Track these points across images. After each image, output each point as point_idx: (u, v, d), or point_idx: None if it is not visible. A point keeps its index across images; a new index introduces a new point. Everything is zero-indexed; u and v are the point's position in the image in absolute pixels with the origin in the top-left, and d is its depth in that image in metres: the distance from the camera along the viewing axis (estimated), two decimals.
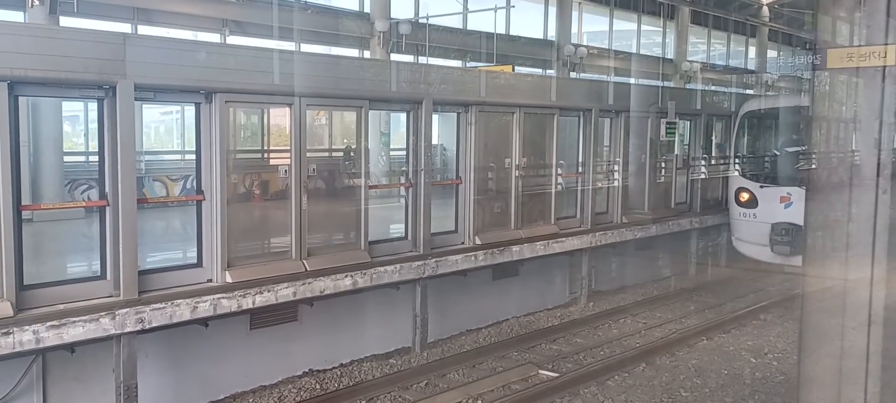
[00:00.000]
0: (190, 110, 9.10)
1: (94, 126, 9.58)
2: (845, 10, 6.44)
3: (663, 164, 15.52)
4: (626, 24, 31.44)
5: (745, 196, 15.18)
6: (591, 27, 30.15)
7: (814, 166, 14.49)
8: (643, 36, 31.78)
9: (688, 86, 29.49)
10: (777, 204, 14.48)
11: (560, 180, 13.07)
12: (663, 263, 16.38)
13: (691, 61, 32.62)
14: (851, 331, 4.97)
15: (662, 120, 14.98)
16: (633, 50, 31.35)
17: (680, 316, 13.09)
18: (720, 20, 34.44)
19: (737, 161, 15.86)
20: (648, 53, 31.93)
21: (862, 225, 5.18)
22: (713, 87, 30.85)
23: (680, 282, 15.78)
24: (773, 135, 16.56)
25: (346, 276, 9.50)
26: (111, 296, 7.68)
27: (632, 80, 29.41)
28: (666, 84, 28.50)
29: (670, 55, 32.22)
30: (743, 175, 15.64)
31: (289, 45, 19.14)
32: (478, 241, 11.42)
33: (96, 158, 8.19)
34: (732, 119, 16.35)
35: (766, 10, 35.14)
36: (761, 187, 15.00)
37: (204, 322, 8.40)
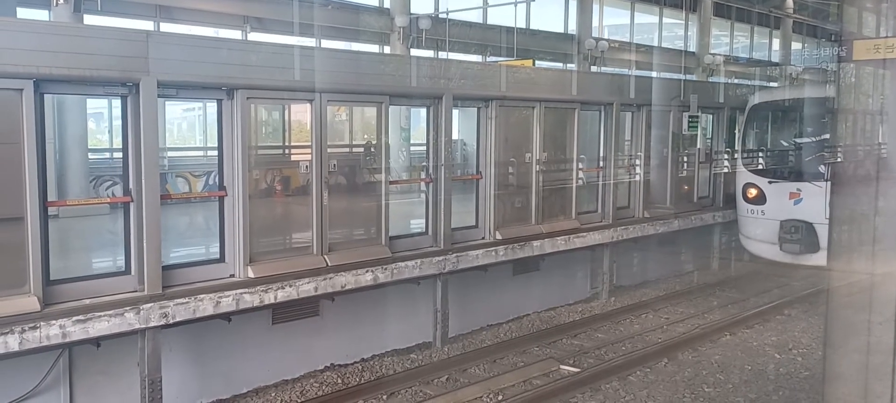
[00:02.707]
0: (212, 107, 9.17)
1: (117, 123, 9.70)
2: (872, 0, 6.34)
3: (685, 158, 15.36)
4: (647, 17, 31.21)
5: (752, 192, 14.56)
6: (612, 20, 29.96)
7: (827, 160, 14.08)
8: (665, 29, 31.53)
9: (710, 80, 29.21)
10: (786, 201, 13.92)
11: (581, 175, 13.01)
12: (686, 258, 16.26)
13: (714, 54, 32.31)
14: (878, 326, 4.90)
15: (685, 113, 14.84)
16: (655, 43, 31.11)
17: (702, 311, 12.97)
18: (743, 12, 34.06)
19: (744, 155, 15.26)
20: (670, 46, 31.67)
21: (889, 218, 5.10)
22: (736, 80, 30.52)
23: (702, 277, 15.64)
24: (783, 128, 15.97)
25: (366, 271, 9.52)
26: (136, 291, 7.77)
27: (653, 74, 29.19)
28: (688, 77, 28.28)
29: (693, 48, 31.93)
30: (750, 170, 14.98)
31: (309, 42, 19.22)
32: (498, 236, 11.40)
33: (120, 155, 8.29)
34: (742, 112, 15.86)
35: (790, 1, 34.70)
36: (770, 183, 14.39)
37: (227, 316, 8.47)
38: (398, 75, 10.34)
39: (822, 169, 13.59)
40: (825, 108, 14.10)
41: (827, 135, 14.09)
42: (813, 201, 13.36)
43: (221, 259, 8.63)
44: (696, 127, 15.21)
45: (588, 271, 13.93)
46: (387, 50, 21.17)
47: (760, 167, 15.09)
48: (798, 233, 13.62)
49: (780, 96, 16.49)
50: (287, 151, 10.59)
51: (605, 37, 28.20)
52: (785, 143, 15.84)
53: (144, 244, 7.71)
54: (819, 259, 13.30)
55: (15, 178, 6.94)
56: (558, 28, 26.85)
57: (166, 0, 17.57)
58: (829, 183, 13.26)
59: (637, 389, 9.27)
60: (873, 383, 4.87)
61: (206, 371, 8.89)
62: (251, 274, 8.56)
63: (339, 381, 9.48)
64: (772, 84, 31.81)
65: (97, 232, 11.27)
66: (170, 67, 7.80)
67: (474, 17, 23.94)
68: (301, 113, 9.72)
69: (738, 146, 15.38)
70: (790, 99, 15.90)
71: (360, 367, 9.96)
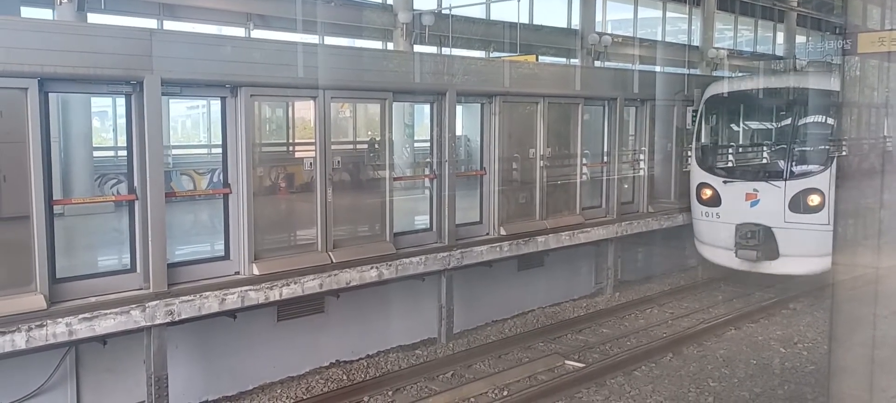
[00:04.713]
0: (216, 104, 9.18)
1: (122, 121, 9.71)
2: None
3: (689, 153, 15.27)
4: (650, 12, 31.16)
5: (706, 192, 13.38)
6: (616, 15, 29.92)
7: (787, 157, 13.22)
8: (668, 23, 31.47)
9: (714, 74, 29.16)
10: (742, 202, 12.79)
11: (585, 170, 12.98)
12: (690, 252, 16.21)
13: (718, 48, 32.24)
14: (883, 320, 4.89)
15: (688, 108, 14.78)
16: (659, 37, 31.06)
17: (707, 306, 12.96)
18: (747, 6, 33.98)
19: (698, 152, 13.80)
20: (674, 41, 31.62)
21: (895, 212, 5.09)
22: (740, 74, 30.45)
23: (707, 272, 15.59)
24: (741, 121, 14.92)
25: (371, 268, 9.54)
26: (141, 289, 7.79)
27: (657, 68, 29.15)
28: (692, 71, 28.22)
29: (696, 42, 31.86)
30: (704, 168, 13.66)
31: (313, 38, 19.23)
32: (503, 232, 11.40)
33: (125, 153, 8.31)
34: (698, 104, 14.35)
35: None
36: (724, 182, 13.22)
37: (232, 313, 8.49)
38: (401, 72, 10.33)
39: (781, 165, 12.86)
40: (787, 99, 13.32)
41: (787, 123, 13.30)
42: (771, 202, 12.46)
43: (226, 256, 8.65)
44: None
45: (593, 266, 13.93)
46: (390, 46, 21.18)
47: (715, 165, 13.86)
48: (755, 239, 12.52)
49: (738, 86, 14.94)
50: (291, 148, 10.60)
51: (609, 31, 28.15)
52: (743, 138, 14.75)
53: (149, 242, 7.72)
54: (778, 267, 12.62)
55: (20, 177, 6.96)
56: (561, 23, 26.82)
57: None
58: (787, 182, 12.40)
59: (642, 384, 9.27)
60: (879, 377, 4.87)
61: (211, 368, 8.91)
62: (256, 271, 8.58)
63: (345, 377, 9.49)
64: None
65: (102, 231, 11.29)
66: (173, 65, 7.81)
67: (477, 12, 23.92)
68: (305, 110, 9.72)
69: (692, 141, 14.13)
70: (749, 89, 14.58)
71: (365, 363, 9.97)
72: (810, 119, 13.20)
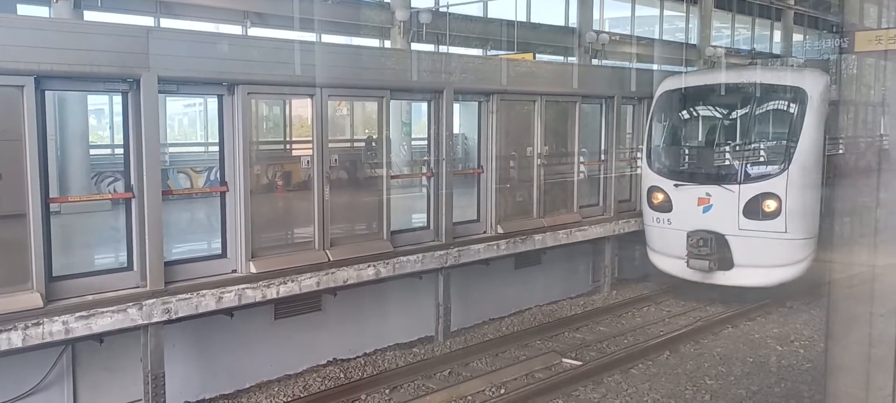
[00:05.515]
0: (213, 102, 9.16)
1: (118, 119, 9.70)
2: None
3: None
4: (648, 10, 31.16)
5: (657, 197, 12.61)
6: (613, 13, 29.90)
7: (741, 159, 12.52)
8: (666, 21, 31.47)
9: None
10: (694, 208, 12.04)
11: (582, 168, 12.98)
12: None
13: (715, 46, 32.25)
14: (880, 318, 4.90)
15: None
16: (656, 36, 31.06)
17: (704, 304, 12.97)
18: (744, 4, 34.00)
19: (649, 153, 13.04)
20: (671, 39, 31.62)
21: (891, 210, 5.10)
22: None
23: None
24: (697, 120, 13.73)
25: (368, 266, 9.53)
26: (138, 287, 7.78)
27: (654, 67, 29.15)
28: (690, 70, 28.22)
29: (693, 40, 31.87)
30: (656, 171, 12.86)
31: (310, 37, 19.20)
32: (500, 230, 11.41)
33: (121, 151, 8.29)
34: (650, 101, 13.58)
35: None
36: (676, 186, 12.40)
37: (229, 312, 8.48)
38: (399, 69, 10.33)
39: (735, 167, 12.04)
40: (743, 96, 12.53)
41: (742, 122, 12.51)
42: (724, 208, 11.75)
43: (223, 254, 8.64)
44: None
45: (590, 264, 13.94)
46: (387, 44, 21.15)
47: (666, 167, 12.93)
48: (707, 247, 11.78)
49: (691, 82, 13.75)
50: (288, 146, 10.59)
51: (606, 30, 28.14)
52: (697, 137, 13.84)
53: (146, 240, 7.71)
54: (732, 277, 11.98)
55: (17, 175, 6.95)
56: (559, 21, 26.80)
57: None
58: (741, 186, 11.69)
59: (639, 382, 9.28)
60: (875, 375, 4.87)
61: (208, 366, 8.91)
62: (253, 270, 8.57)
63: (342, 375, 9.49)
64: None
65: (99, 229, 11.28)
66: (170, 63, 7.80)
67: (475, 10, 23.90)
68: (302, 108, 9.72)
69: (643, 142, 13.39)
70: (703, 85, 13.55)
71: (362, 361, 9.97)
72: (768, 113, 12.52)
